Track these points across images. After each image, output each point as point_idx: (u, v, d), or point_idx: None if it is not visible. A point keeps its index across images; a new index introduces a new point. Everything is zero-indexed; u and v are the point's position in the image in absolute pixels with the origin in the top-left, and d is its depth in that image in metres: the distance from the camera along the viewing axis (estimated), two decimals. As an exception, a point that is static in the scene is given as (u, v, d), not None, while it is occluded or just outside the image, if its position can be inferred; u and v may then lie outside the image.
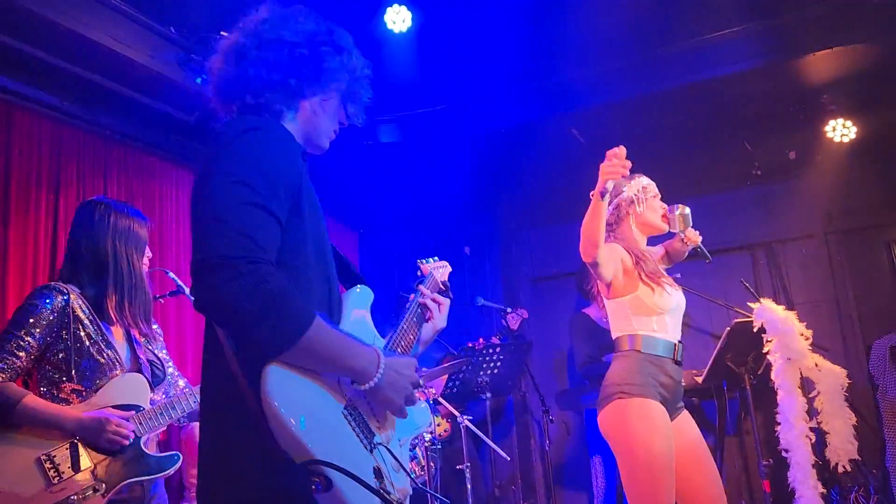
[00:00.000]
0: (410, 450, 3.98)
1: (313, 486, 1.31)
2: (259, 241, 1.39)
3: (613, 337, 3.08)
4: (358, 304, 1.74)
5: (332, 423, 1.42)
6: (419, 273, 2.27)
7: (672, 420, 2.90)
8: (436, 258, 2.35)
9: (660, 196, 3.22)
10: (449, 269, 2.33)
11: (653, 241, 3.27)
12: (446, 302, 1.93)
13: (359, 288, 1.78)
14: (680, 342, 3.02)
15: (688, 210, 3.17)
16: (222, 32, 4.18)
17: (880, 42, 4.59)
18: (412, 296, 1.94)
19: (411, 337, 1.83)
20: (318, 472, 1.31)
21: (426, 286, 2.09)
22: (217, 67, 1.71)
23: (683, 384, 4.57)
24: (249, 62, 1.65)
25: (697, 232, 3.19)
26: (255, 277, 1.34)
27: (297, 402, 1.36)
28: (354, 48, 1.79)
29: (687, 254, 3.28)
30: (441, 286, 2.20)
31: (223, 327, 1.42)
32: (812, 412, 4.35)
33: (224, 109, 1.71)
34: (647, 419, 2.79)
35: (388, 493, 1.43)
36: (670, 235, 3.22)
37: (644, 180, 3.21)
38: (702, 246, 3.19)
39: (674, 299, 3.03)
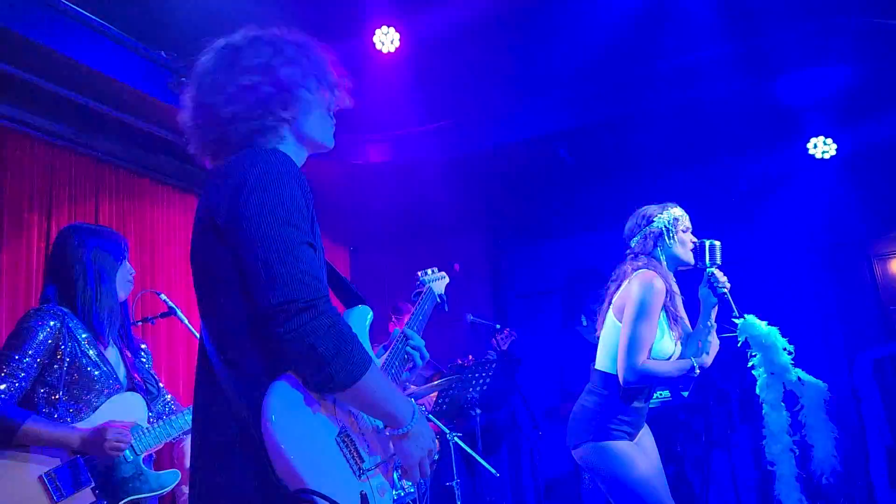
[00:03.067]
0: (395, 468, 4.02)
1: None
2: (323, 280, 1.47)
3: (597, 366, 3.06)
4: (359, 324, 1.78)
5: (326, 452, 1.48)
6: (418, 283, 2.27)
7: (635, 438, 3.00)
8: (435, 269, 2.35)
9: (691, 229, 3.13)
10: (447, 280, 2.35)
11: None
12: (426, 355, 1.95)
13: (360, 308, 1.84)
14: None
15: (718, 244, 3.03)
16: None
17: (859, 62, 4.70)
18: (397, 335, 1.94)
19: (397, 378, 1.87)
20: (309, 501, 1.37)
21: (421, 307, 2.11)
22: (188, 124, 1.70)
23: (670, 397, 4.65)
24: (220, 119, 1.64)
25: (726, 277, 3.02)
26: (329, 317, 1.42)
27: (295, 432, 1.41)
28: (304, 40, 1.77)
29: (713, 314, 3.08)
30: (438, 300, 2.22)
31: (300, 365, 1.44)
32: (796, 426, 4.40)
33: (216, 147, 1.69)
34: (618, 458, 2.89)
35: None
36: (697, 271, 3.10)
37: (677, 211, 3.12)
38: (729, 294, 3.00)
39: (674, 352, 3.03)
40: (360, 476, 1.53)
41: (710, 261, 3.02)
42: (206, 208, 1.57)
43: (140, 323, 3.53)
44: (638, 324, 2.88)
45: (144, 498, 2.50)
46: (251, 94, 1.65)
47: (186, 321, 3.15)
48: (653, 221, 3.10)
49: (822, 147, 5.41)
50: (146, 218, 4.74)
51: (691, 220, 3.19)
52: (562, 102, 5.28)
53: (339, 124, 1.90)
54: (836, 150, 5.37)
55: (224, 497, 1.48)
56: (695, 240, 3.09)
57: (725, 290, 3.00)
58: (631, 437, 2.98)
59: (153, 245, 4.68)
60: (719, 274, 3.02)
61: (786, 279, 5.66)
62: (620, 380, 2.88)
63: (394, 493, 1.66)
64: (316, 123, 1.77)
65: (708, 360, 2.96)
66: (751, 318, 4.34)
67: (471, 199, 6.36)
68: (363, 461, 1.56)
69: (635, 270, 3.02)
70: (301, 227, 1.48)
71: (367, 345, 1.77)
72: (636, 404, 2.99)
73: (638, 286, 2.93)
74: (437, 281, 2.31)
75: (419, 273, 2.31)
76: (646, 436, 3.10)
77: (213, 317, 1.58)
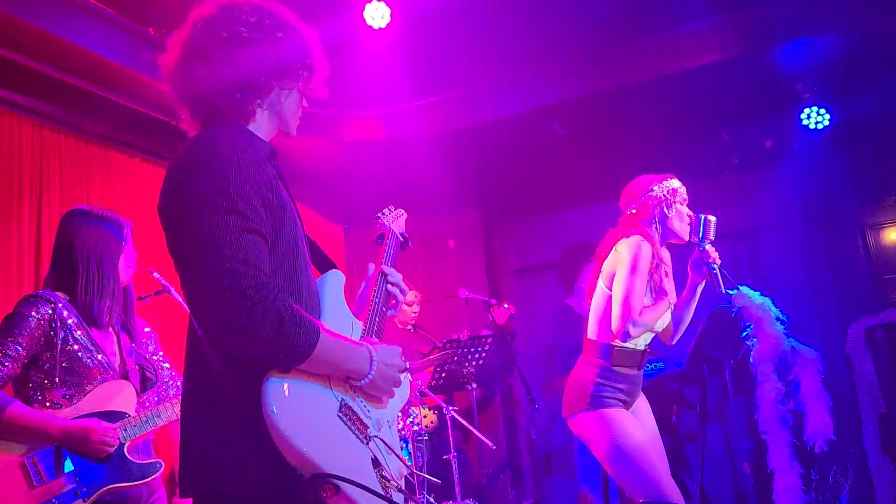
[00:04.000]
0: (400, 439, 4.06)
1: (324, 494, 1.41)
2: (259, 265, 1.44)
3: (588, 335, 3.09)
4: (333, 288, 1.80)
5: (331, 431, 1.51)
6: (378, 227, 2.25)
7: (630, 407, 3.03)
8: (391, 208, 2.35)
9: (688, 202, 3.14)
10: (405, 215, 2.35)
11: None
12: (405, 288, 1.99)
13: (332, 273, 1.85)
14: (647, 349, 3.09)
15: (713, 219, 3.04)
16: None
17: (853, 30, 4.67)
18: (374, 273, 1.97)
19: (383, 317, 1.89)
20: (327, 482, 1.40)
21: (388, 247, 2.13)
22: (177, 67, 1.66)
23: (665, 368, 4.68)
24: (215, 64, 1.61)
25: (718, 253, 3.04)
26: (266, 303, 1.40)
27: (299, 420, 1.43)
28: (298, 23, 1.75)
29: (698, 289, 3.11)
30: (401, 238, 2.24)
31: (240, 354, 1.44)
32: (790, 395, 4.44)
33: (190, 112, 1.69)
34: (613, 426, 2.90)
35: (389, 481, 1.56)
36: (689, 247, 3.12)
37: (675, 183, 3.12)
38: (720, 269, 3.01)
39: (664, 320, 3.06)
40: (367, 442, 1.58)
41: (703, 235, 3.02)
42: (163, 188, 1.57)
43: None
44: (632, 279, 2.91)
45: (125, 487, 2.50)
46: (248, 45, 1.62)
47: (181, 299, 3.14)
48: (652, 191, 3.09)
49: (815, 118, 5.39)
50: (138, 197, 4.71)
51: (687, 190, 3.19)
52: (554, 76, 5.24)
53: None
54: (830, 120, 5.36)
55: (220, 471, 1.48)
56: (690, 213, 3.10)
57: (716, 266, 3.00)
58: (626, 405, 3.00)
59: (146, 224, 4.62)
60: (711, 249, 3.02)
61: (779, 249, 5.68)
62: (620, 335, 2.90)
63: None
64: (292, 104, 1.75)
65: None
66: (745, 288, 4.37)
67: (464, 174, 6.34)
68: (367, 427, 1.60)
69: (625, 237, 3.03)
70: (244, 213, 1.45)
71: (342, 306, 1.78)
72: (629, 371, 3.00)
73: (626, 248, 2.97)
74: (397, 219, 2.31)
75: (378, 215, 2.30)
76: (642, 405, 3.12)
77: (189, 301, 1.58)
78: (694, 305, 3.15)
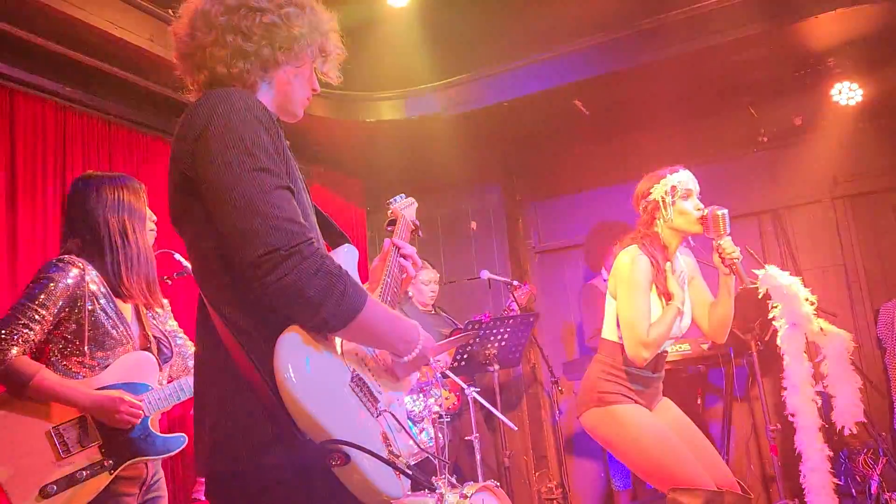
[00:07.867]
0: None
1: (333, 462, 1.37)
2: (301, 221, 1.41)
3: (603, 334, 3.09)
4: (347, 263, 1.78)
5: (343, 401, 1.48)
6: (389, 213, 2.26)
7: (651, 410, 2.99)
8: (402, 195, 2.34)
9: (696, 192, 3.01)
10: (415, 204, 2.33)
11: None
12: (418, 261, 1.97)
13: (346, 247, 1.83)
14: (664, 352, 3.04)
15: (722, 212, 2.89)
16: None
17: (887, 2, 4.52)
18: (388, 247, 1.96)
19: (395, 290, 1.87)
20: (337, 449, 1.37)
21: (399, 233, 2.11)
22: (184, 34, 1.65)
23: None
24: (220, 30, 1.59)
25: (737, 248, 2.90)
26: (315, 259, 1.38)
27: (311, 388, 1.40)
28: (321, 8, 1.72)
29: (730, 283, 2.98)
30: (412, 225, 2.22)
31: (292, 313, 1.41)
32: (818, 376, 4.36)
33: (192, 78, 1.67)
34: (625, 422, 2.87)
35: (398, 457, 1.52)
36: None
37: (674, 178, 2.98)
38: (739, 265, 2.88)
39: (683, 325, 3.01)
40: (376, 416, 1.55)
41: (715, 232, 2.91)
42: (173, 158, 1.54)
43: (157, 282, 3.54)
44: (633, 300, 2.87)
45: (150, 460, 2.48)
46: (255, 15, 1.60)
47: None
48: (649, 194, 3.03)
49: (847, 93, 5.24)
50: (160, 179, 4.72)
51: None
52: (577, 53, 5.15)
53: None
54: (861, 95, 5.21)
55: (234, 449, 1.45)
56: (700, 207, 2.98)
57: (735, 261, 2.90)
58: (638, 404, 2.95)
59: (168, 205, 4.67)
60: (726, 243, 2.90)
61: (809, 228, 5.57)
62: (639, 360, 2.86)
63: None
64: (299, 85, 1.70)
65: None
66: (772, 268, 4.29)
67: (486, 154, 6.29)
68: (378, 402, 1.57)
69: (624, 247, 3.01)
70: (272, 170, 1.43)
71: (359, 283, 1.75)
72: (642, 372, 2.96)
73: (621, 264, 2.95)
74: (408, 207, 2.29)
75: (389, 201, 2.29)
76: (666, 407, 3.07)
77: (201, 273, 1.55)
78: (731, 300, 3.04)
